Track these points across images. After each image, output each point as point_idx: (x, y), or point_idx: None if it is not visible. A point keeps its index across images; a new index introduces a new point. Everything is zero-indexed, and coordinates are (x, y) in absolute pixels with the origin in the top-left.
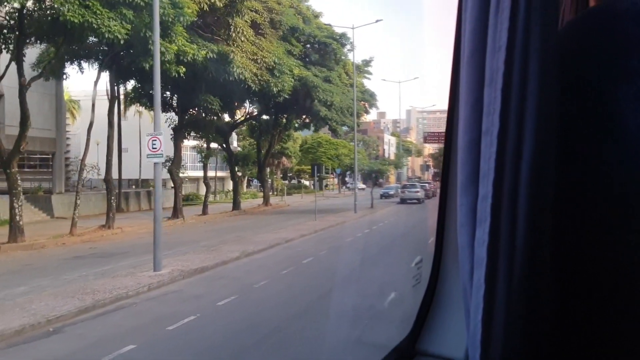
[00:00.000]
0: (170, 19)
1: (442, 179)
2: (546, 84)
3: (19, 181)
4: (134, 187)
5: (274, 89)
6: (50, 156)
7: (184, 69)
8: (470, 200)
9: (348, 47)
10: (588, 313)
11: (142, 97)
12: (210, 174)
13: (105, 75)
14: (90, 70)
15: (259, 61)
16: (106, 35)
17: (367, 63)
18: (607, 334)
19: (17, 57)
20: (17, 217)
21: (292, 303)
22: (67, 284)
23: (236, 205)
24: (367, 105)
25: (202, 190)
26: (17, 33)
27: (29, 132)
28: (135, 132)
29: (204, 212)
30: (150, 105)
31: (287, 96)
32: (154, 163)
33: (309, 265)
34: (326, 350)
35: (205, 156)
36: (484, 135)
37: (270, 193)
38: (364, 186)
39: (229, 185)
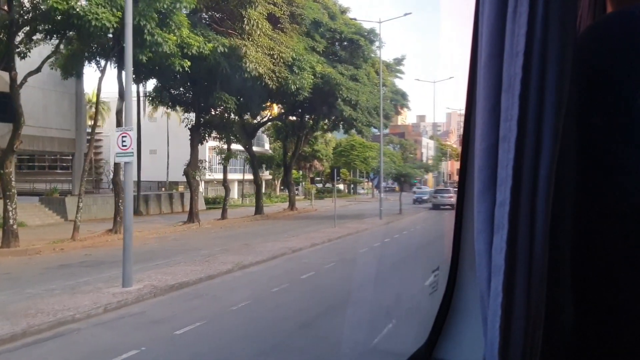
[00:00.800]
0: (166, 5)
1: (459, 185)
2: (565, 89)
3: (13, 182)
4: (163, 189)
5: (292, 87)
6: (70, 157)
7: (188, 63)
8: (487, 207)
9: (377, 44)
10: (608, 323)
11: (162, 96)
12: (237, 176)
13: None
14: (111, 69)
15: (275, 57)
16: (93, 23)
17: (398, 62)
18: (627, 344)
19: (7, 49)
20: (11, 221)
21: (267, 334)
22: (22, 300)
23: (258, 209)
24: (399, 107)
25: (231, 193)
26: (6, 22)
27: (47, 133)
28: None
29: (223, 216)
30: (172, 106)
31: (307, 94)
32: (124, 163)
33: (306, 282)
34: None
35: (225, 158)
36: (501, 142)
37: (303, 197)
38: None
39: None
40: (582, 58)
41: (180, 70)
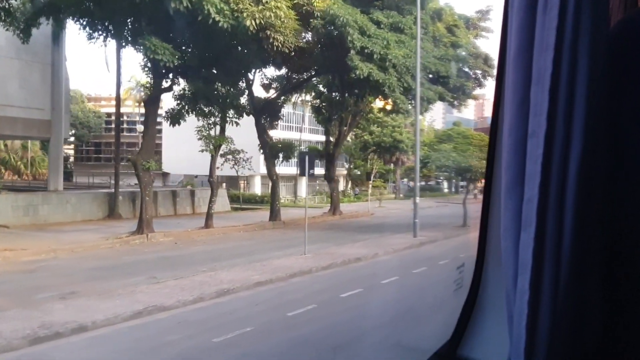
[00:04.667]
0: None
1: (486, 180)
2: (595, 84)
3: None
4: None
5: (249, 23)
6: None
7: None
8: (515, 203)
9: None
10: (638, 322)
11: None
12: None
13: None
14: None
15: None
16: None
17: (482, 15)
18: None
19: None
20: None
21: None
22: None
23: (273, 214)
24: (479, 75)
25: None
26: None
27: (5, 112)
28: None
29: (207, 224)
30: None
31: (291, 42)
32: None
33: None
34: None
35: (215, 145)
36: (530, 137)
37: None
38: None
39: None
40: (614, 52)
41: None
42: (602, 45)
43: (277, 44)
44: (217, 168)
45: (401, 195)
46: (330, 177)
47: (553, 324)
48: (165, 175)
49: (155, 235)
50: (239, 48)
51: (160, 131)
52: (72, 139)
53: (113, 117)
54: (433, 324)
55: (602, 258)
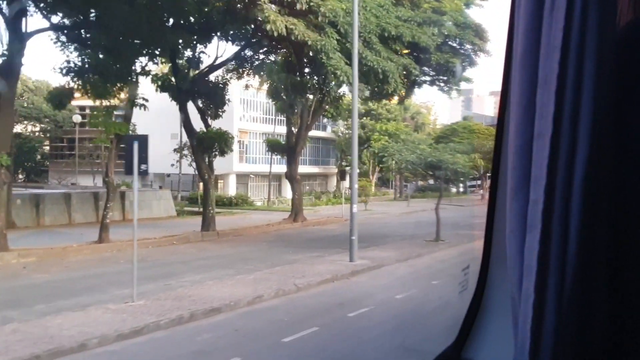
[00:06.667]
0: None
1: (492, 183)
2: (602, 86)
3: None
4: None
5: None
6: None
7: None
8: (520, 205)
9: None
10: None
11: None
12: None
13: None
14: None
15: None
16: None
17: None
18: None
19: None
20: None
21: None
22: None
23: (206, 222)
24: (469, 50)
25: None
26: None
27: None
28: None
29: (101, 237)
30: None
31: None
32: None
33: None
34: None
35: (111, 133)
36: (536, 139)
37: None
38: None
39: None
40: (622, 54)
41: None
42: (609, 47)
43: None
44: (172, 165)
45: (405, 195)
46: (291, 176)
47: (558, 327)
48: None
49: (4, 255)
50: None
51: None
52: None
53: (88, 111)
54: (437, 326)
55: (608, 261)
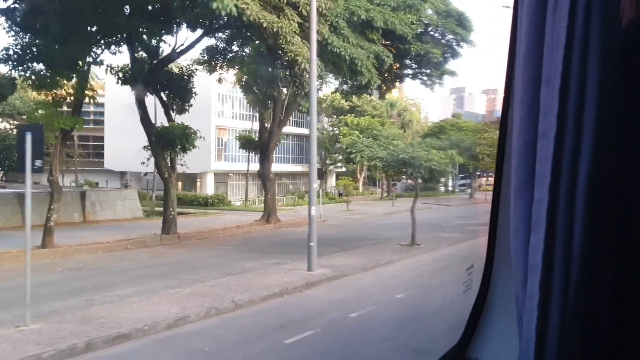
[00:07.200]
0: None
1: (495, 181)
2: (607, 84)
3: None
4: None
5: None
6: None
7: None
8: (524, 204)
9: None
10: None
11: None
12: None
13: None
14: None
15: None
16: None
17: None
18: None
19: None
20: None
21: None
22: None
23: (166, 225)
24: (452, 41)
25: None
26: None
27: None
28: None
29: (44, 241)
30: None
31: None
32: None
33: None
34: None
35: (57, 127)
36: (540, 137)
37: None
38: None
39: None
40: (625, 51)
41: None
42: (613, 45)
43: None
44: (143, 164)
45: (392, 194)
46: (264, 175)
47: (563, 327)
48: (123, 174)
49: None
50: None
51: (101, 122)
52: None
53: (66, 107)
54: (441, 326)
55: (613, 260)
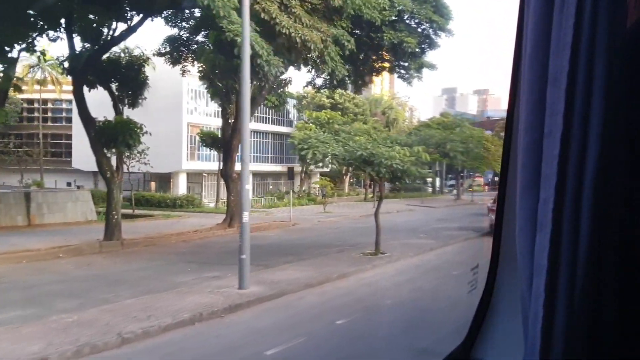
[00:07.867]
0: None
1: (501, 181)
2: (613, 84)
3: None
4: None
5: None
6: None
7: None
8: (530, 204)
9: None
10: None
11: None
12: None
13: None
14: None
15: None
16: None
17: None
18: None
19: None
20: None
21: None
22: None
23: (109, 230)
24: (429, 30)
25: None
26: None
27: None
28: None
29: None
30: None
31: None
32: None
33: None
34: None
35: None
36: (546, 137)
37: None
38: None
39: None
40: (631, 51)
41: None
42: (619, 45)
43: None
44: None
45: (376, 194)
46: (227, 174)
47: (569, 327)
48: (95, 174)
49: None
50: None
51: (69, 120)
52: None
53: (36, 105)
54: (446, 326)
55: (619, 260)
